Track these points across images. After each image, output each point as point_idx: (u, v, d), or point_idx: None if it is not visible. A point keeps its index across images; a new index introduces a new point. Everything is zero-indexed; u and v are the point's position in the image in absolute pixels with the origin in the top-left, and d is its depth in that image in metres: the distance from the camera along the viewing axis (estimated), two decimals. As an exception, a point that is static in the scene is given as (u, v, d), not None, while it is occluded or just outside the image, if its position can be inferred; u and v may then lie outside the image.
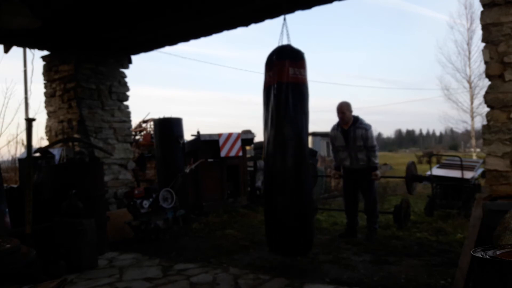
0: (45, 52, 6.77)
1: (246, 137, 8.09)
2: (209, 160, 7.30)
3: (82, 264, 4.14)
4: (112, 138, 6.80)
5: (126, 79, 7.12)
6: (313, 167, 8.10)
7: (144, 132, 10.81)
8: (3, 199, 4.20)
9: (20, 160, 6.41)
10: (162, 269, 4.14)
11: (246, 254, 4.63)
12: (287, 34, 3.94)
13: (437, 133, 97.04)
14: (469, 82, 23.84)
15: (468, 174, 7.16)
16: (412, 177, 5.81)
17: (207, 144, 7.30)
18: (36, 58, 15.87)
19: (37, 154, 5.45)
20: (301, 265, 4.09)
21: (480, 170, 7.51)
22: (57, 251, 4.12)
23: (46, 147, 5.77)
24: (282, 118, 3.80)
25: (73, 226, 4.18)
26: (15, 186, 5.49)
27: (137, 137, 10.53)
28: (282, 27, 3.95)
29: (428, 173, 7.56)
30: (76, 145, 6.27)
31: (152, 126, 9.36)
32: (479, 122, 22.68)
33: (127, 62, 7.14)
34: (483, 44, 3.40)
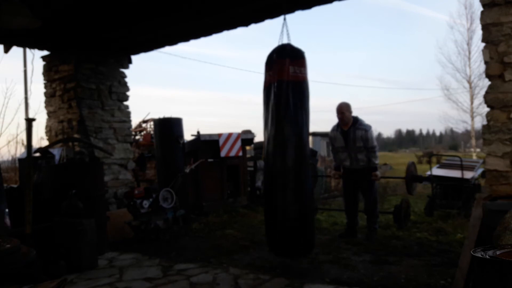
0: (45, 52, 6.77)
1: (246, 137, 8.09)
2: (209, 160, 7.30)
3: (82, 264, 4.14)
4: (112, 138, 6.80)
5: (126, 79, 7.13)
6: (313, 167, 8.09)
7: (144, 132, 10.81)
8: (3, 199, 4.20)
9: (20, 160, 6.41)
10: (162, 269, 4.14)
11: (246, 254, 4.63)
12: (287, 34, 3.94)
13: (437, 133, 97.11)
14: (469, 82, 23.85)
15: (468, 174, 7.16)
16: (412, 177, 5.81)
17: (207, 144, 7.30)
18: (36, 58, 15.86)
19: (37, 154, 5.45)
20: (301, 265, 4.09)
21: (480, 170, 7.51)
22: (57, 251, 4.12)
23: (46, 147, 5.77)
24: (283, 117, 3.78)
25: (73, 226, 4.18)
26: (15, 186, 5.49)
27: (137, 137, 10.53)
28: (282, 27, 3.95)
29: (428, 173, 7.56)
30: (76, 145, 6.27)
31: (152, 126, 9.36)
32: (479, 122, 22.71)
33: (127, 62, 7.14)
34: (483, 44, 3.40)
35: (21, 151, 8.89)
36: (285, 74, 3.75)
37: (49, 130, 6.92)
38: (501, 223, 2.68)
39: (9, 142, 8.83)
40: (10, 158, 8.89)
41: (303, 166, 3.84)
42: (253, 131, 8.85)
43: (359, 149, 5.10)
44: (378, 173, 5.17)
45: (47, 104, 6.94)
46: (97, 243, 4.38)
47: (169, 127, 6.42)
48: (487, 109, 3.42)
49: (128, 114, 7.09)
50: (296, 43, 3.91)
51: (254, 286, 3.57)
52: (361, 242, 4.93)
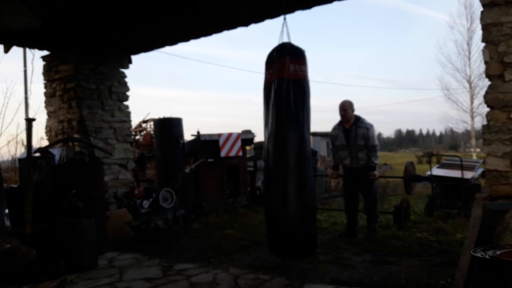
0: (45, 52, 6.77)
1: (246, 137, 8.10)
2: (209, 160, 7.30)
3: (82, 264, 4.14)
4: (112, 138, 6.80)
5: (126, 79, 7.13)
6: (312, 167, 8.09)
7: (144, 132, 10.82)
8: (3, 199, 4.20)
9: (20, 160, 6.41)
10: (162, 269, 4.14)
11: (246, 254, 4.63)
12: (288, 34, 3.93)
13: (437, 133, 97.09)
14: (469, 82, 23.85)
15: (468, 174, 7.16)
16: (410, 177, 5.80)
17: (207, 144, 7.30)
18: (36, 58, 15.88)
19: (37, 154, 5.45)
20: (301, 265, 4.09)
21: (480, 170, 7.51)
22: (57, 251, 4.12)
23: (46, 147, 5.77)
24: (283, 115, 3.74)
25: (73, 226, 4.18)
26: (15, 186, 5.49)
27: (137, 137, 10.53)
28: (282, 26, 3.94)
29: (428, 173, 7.56)
30: (76, 145, 6.27)
31: (152, 126, 9.36)
32: (479, 122, 22.71)
33: (127, 62, 7.14)
34: (483, 44, 3.40)
35: (21, 151, 8.90)
36: (286, 72, 3.72)
37: (49, 130, 6.92)
38: (501, 223, 2.68)
39: (9, 142, 8.84)
40: (10, 158, 8.90)
41: (304, 164, 3.79)
42: (253, 131, 8.86)
43: (360, 147, 5.10)
44: (376, 172, 5.17)
45: (47, 104, 6.94)
46: (97, 243, 4.38)
47: (169, 127, 6.42)
48: (487, 109, 3.42)
49: (128, 114, 7.09)
50: (296, 43, 3.90)
51: (254, 286, 3.57)
52: (361, 242, 4.93)
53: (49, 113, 6.94)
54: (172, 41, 6.38)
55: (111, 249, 4.91)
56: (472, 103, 23.81)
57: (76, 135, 6.42)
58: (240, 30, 47.70)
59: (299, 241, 3.82)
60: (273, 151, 3.85)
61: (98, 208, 4.80)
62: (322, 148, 16.80)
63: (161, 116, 6.59)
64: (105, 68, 6.76)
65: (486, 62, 3.37)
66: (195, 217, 6.63)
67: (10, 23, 3.86)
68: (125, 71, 7.11)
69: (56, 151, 6.11)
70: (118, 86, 6.98)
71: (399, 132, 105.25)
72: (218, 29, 5.80)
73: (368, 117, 5.33)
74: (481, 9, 3.39)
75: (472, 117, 23.93)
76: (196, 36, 6.08)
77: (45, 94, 6.97)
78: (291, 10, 4.89)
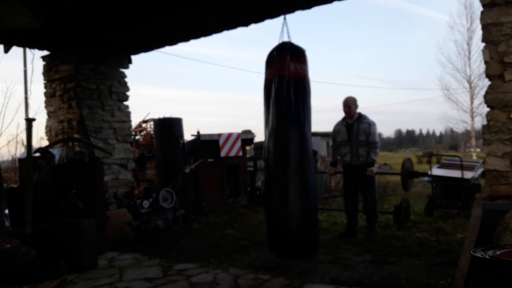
0: (45, 52, 6.77)
1: (246, 137, 8.10)
2: (209, 160, 7.30)
3: (82, 264, 4.14)
4: (112, 138, 6.80)
5: (126, 79, 7.13)
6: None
7: (144, 132, 10.82)
8: (3, 199, 4.20)
9: (20, 160, 6.41)
10: (162, 269, 4.14)
11: (246, 254, 4.63)
12: (288, 34, 3.93)
13: (437, 133, 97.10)
14: (469, 82, 23.86)
15: (468, 174, 7.16)
16: (407, 173, 5.76)
17: (207, 144, 7.30)
18: (36, 58, 15.89)
19: (37, 154, 5.45)
20: (301, 265, 4.09)
21: (480, 170, 7.51)
22: (57, 251, 4.12)
23: (46, 147, 5.77)
24: (284, 113, 3.72)
25: (73, 226, 4.18)
26: (15, 186, 5.49)
27: (137, 137, 10.53)
28: (283, 26, 3.93)
29: (428, 173, 7.55)
30: (76, 145, 6.27)
31: (152, 126, 9.36)
32: (479, 122, 22.72)
33: (127, 62, 7.14)
34: (483, 44, 3.40)
35: (21, 151, 8.91)
36: (286, 70, 3.71)
37: (49, 130, 6.92)
38: (501, 223, 2.68)
39: (9, 142, 8.85)
40: (10, 158, 8.90)
41: (305, 164, 3.76)
42: (253, 131, 8.87)
43: (361, 143, 5.12)
44: (373, 169, 5.16)
45: (47, 104, 6.94)
46: (97, 243, 4.38)
47: (169, 127, 6.42)
48: (487, 109, 3.42)
49: (128, 114, 7.09)
50: (296, 43, 3.90)
51: (254, 286, 3.57)
52: (361, 242, 4.93)
53: (49, 113, 6.94)
54: (172, 41, 6.38)
55: (111, 249, 4.91)
56: (472, 103, 23.84)
57: (76, 135, 6.42)
58: (240, 30, 47.74)
59: (300, 241, 3.79)
60: (273, 150, 3.82)
61: (98, 208, 4.80)
62: (322, 148, 16.82)
63: (161, 116, 6.60)
64: (105, 68, 6.76)
65: (486, 62, 3.37)
66: (195, 217, 6.63)
67: (10, 23, 3.86)
68: (125, 71, 7.11)
69: (56, 151, 6.11)
70: (118, 86, 6.98)
71: (399, 132, 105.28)
72: (218, 29, 5.80)
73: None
74: (481, 9, 3.39)
75: (472, 117, 23.95)
76: (196, 36, 6.08)
77: (45, 94, 6.97)
78: (291, 10, 4.88)
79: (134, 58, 7.18)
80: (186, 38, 6.21)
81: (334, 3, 4.78)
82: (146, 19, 5.26)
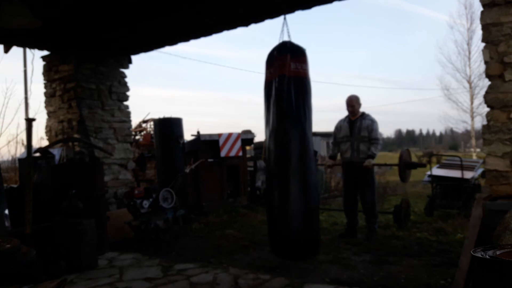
0: (45, 52, 6.77)
1: (246, 137, 8.10)
2: (209, 160, 7.30)
3: (82, 264, 4.14)
4: (112, 138, 6.80)
5: (126, 79, 7.13)
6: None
7: (144, 132, 10.82)
8: (3, 199, 4.20)
9: (20, 160, 6.41)
10: (162, 269, 4.14)
11: (246, 254, 4.63)
12: (288, 34, 3.93)
13: (437, 133, 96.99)
14: (469, 82, 23.84)
15: (468, 174, 7.16)
16: (405, 164, 5.75)
17: (207, 144, 7.30)
18: (36, 58, 15.88)
19: (37, 154, 5.45)
20: (301, 265, 4.09)
21: (480, 170, 7.51)
22: (57, 251, 4.11)
23: (46, 147, 5.77)
24: (284, 112, 3.71)
25: (73, 226, 4.18)
26: (15, 186, 5.49)
27: (137, 137, 10.53)
28: (283, 26, 3.93)
29: (428, 173, 7.55)
30: (76, 145, 6.27)
31: (152, 126, 9.36)
32: (479, 122, 22.71)
33: (127, 62, 7.14)
34: (483, 44, 3.40)
35: (21, 151, 8.90)
36: (286, 70, 3.70)
37: (49, 130, 6.92)
38: (501, 223, 2.68)
39: (9, 142, 8.84)
40: (10, 158, 8.90)
41: (306, 163, 3.75)
42: (253, 131, 8.86)
43: (362, 139, 5.14)
44: (371, 161, 5.14)
45: (47, 104, 6.94)
46: (97, 243, 4.38)
47: (169, 127, 6.42)
48: (487, 109, 3.42)
49: (128, 114, 7.09)
50: (296, 43, 3.90)
51: (254, 286, 3.57)
52: (361, 242, 4.93)
53: (49, 113, 6.94)
54: (172, 41, 6.39)
55: (111, 249, 4.91)
56: (472, 103, 23.82)
57: (76, 135, 6.42)
58: (240, 30, 47.74)
59: (302, 241, 3.78)
60: (274, 150, 3.81)
61: (98, 208, 4.80)
62: (322, 148, 16.81)
63: (161, 116, 6.60)
64: (105, 68, 6.76)
65: (486, 62, 3.37)
66: (195, 217, 6.63)
67: (10, 23, 3.86)
68: (125, 71, 7.11)
69: (56, 151, 6.11)
70: (118, 86, 6.98)
71: (399, 132, 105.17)
72: (218, 29, 5.80)
73: (368, 117, 5.34)
74: (481, 9, 3.39)
75: (472, 117, 23.94)
76: (196, 36, 6.08)
77: (45, 94, 6.97)
78: (291, 10, 4.89)
79: (134, 58, 7.19)
80: (186, 38, 6.21)
81: (334, 3, 4.79)
82: (146, 19, 5.26)
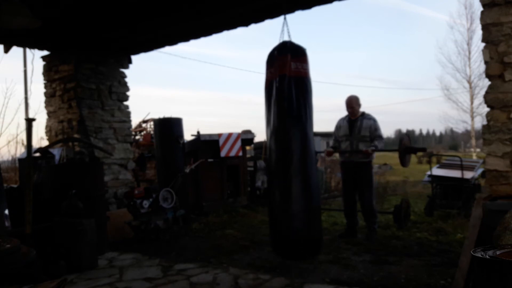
0: (45, 52, 6.77)
1: (246, 137, 8.09)
2: (209, 160, 7.30)
3: (82, 264, 4.13)
4: (112, 138, 6.80)
5: (126, 79, 7.13)
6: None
7: (144, 132, 10.81)
8: (3, 199, 4.20)
9: (20, 160, 6.41)
10: (162, 269, 4.14)
11: (246, 254, 4.63)
12: (288, 33, 3.92)
13: (437, 133, 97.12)
14: (469, 82, 23.86)
15: (468, 174, 7.16)
16: (405, 149, 5.73)
17: (207, 144, 7.30)
18: (36, 58, 15.89)
19: (37, 154, 5.45)
20: (301, 265, 4.09)
21: (480, 170, 7.51)
22: (57, 251, 4.11)
23: (46, 147, 5.77)
24: (285, 112, 3.70)
25: (73, 226, 4.18)
26: (15, 186, 5.49)
27: (137, 137, 10.53)
28: (283, 26, 3.93)
29: (428, 173, 7.55)
30: (76, 145, 6.27)
31: (152, 126, 9.36)
32: (479, 122, 22.72)
33: (127, 62, 7.14)
34: (483, 44, 3.40)
35: (21, 151, 8.90)
36: (287, 69, 3.69)
37: (49, 130, 6.92)
38: (501, 223, 2.68)
39: (9, 142, 8.84)
40: (10, 158, 8.89)
41: (308, 163, 3.75)
42: (253, 131, 8.87)
43: (362, 138, 5.15)
44: (373, 148, 5.12)
45: (47, 104, 6.94)
46: (97, 243, 4.37)
47: (169, 127, 6.42)
48: (487, 109, 3.42)
49: (128, 114, 7.09)
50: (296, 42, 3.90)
51: (254, 286, 3.57)
52: (361, 242, 4.93)
53: (49, 113, 6.94)
54: (172, 41, 6.38)
55: (111, 249, 4.91)
56: (472, 103, 23.84)
57: (76, 135, 6.42)
58: (240, 30, 47.74)
59: (303, 241, 3.78)
60: (275, 149, 3.81)
61: (98, 208, 4.79)
62: (322, 148, 16.80)
63: (161, 116, 6.60)
64: (105, 68, 6.76)
65: (486, 62, 3.37)
66: (195, 217, 6.63)
67: (10, 23, 3.86)
68: (125, 71, 7.11)
69: (56, 151, 6.11)
70: (118, 86, 6.98)
71: (399, 132, 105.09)
72: (218, 29, 5.80)
73: (368, 117, 5.33)
74: (481, 9, 3.39)
75: (472, 117, 23.95)
76: (196, 36, 6.08)
77: (45, 94, 6.97)
78: (291, 10, 4.88)
79: (134, 58, 7.18)
80: (186, 38, 6.21)
81: (334, 3, 4.79)
82: (146, 19, 5.26)
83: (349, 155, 5.25)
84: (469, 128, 25.66)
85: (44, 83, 6.96)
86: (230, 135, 7.54)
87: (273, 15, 5.13)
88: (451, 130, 58.44)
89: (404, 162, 5.78)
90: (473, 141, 25.43)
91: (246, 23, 5.52)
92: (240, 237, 5.41)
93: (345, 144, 5.30)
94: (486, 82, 3.43)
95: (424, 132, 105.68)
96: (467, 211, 6.13)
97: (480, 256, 1.80)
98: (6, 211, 4.19)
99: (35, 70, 18.22)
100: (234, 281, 3.70)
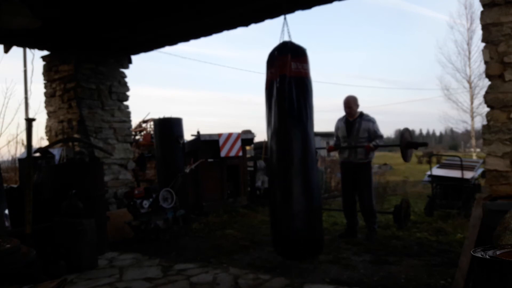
0: (45, 52, 6.77)
1: (246, 137, 8.10)
2: (209, 160, 7.30)
3: (82, 264, 4.14)
4: (112, 138, 6.80)
5: (126, 79, 7.13)
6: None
7: (144, 132, 10.81)
8: (3, 199, 4.20)
9: (20, 160, 6.41)
10: (162, 269, 4.14)
11: (246, 254, 4.63)
12: (288, 33, 3.93)
13: (437, 133, 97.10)
14: (469, 82, 23.85)
15: (468, 174, 7.16)
16: (407, 144, 5.75)
17: (207, 144, 7.30)
18: (36, 58, 15.90)
19: (37, 154, 5.45)
20: (301, 265, 4.09)
21: (480, 170, 7.51)
22: (57, 251, 4.11)
23: (46, 147, 5.77)
24: (286, 112, 3.70)
25: (73, 226, 4.18)
26: (15, 186, 5.49)
27: (137, 137, 10.53)
28: (283, 26, 3.93)
29: (428, 173, 7.55)
30: (76, 145, 6.27)
31: (152, 126, 9.36)
32: (479, 122, 22.72)
33: (127, 62, 7.14)
34: (483, 44, 3.40)
35: (21, 151, 8.90)
36: (287, 70, 3.70)
37: (49, 130, 6.92)
38: (501, 223, 2.68)
39: (9, 142, 8.84)
40: (10, 158, 8.90)
41: (308, 162, 3.75)
42: (253, 131, 8.87)
43: (361, 140, 5.14)
44: (374, 143, 5.13)
45: (47, 104, 6.94)
46: (97, 243, 4.37)
47: (169, 127, 6.42)
48: (487, 109, 3.42)
49: (128, 114, 7.09)
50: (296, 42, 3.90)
51: (254, 286, 3.57)
52: (361, 242, 4.93)
53: (49, 113, 6.94)
54: (172, 41, 6.38)
55: (111, 249, 4.91)
56: (472, 103, 23.83)
57: (76, 135, 6.42)
58: (240, 30, 47.74)
59: (304, 241, 3.78)
60: (276, 150, 3.81)
61: (98, 208, 4.79)
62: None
63: (161, 116, 6.60)
64: (105, 68, 6.76)
65: (486, 62, 3.37)
66: (195, 217, 6.63)
67: (10, 23, 3.86)
68: (125, 71, 7.11)
69: (56, 151, 6.11)
70: (118, 86, 6.98)
71: (399, 132, 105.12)
72: (218, 29, 5.80)
73: (368, 117, 5.33)
74: (481, 9, 3.39)
75: (472, 117, 23.95)
76: (196, 36, 6.08)
77: (45, 94, 6.97)
78: (291, 10, 4.88)
79: (134, 58, 7.18)
80: (186, 38, 6.21)
81: (334, 3, 4.79)
82: (146, 19, 5.26)
83: (348, 156, 5.24)
84: (469, 128, 25.69)
85: (44, 83, 6.96)
86: (230, 135, 7.54)
87: (273, 15, 5.13)
88: (451, 130, 58.42)
89: (406, 157, 5.78)
90: (473, 141, 25.43)
91: (246, 23, 5.52)
92: (240, 237, 5.41)
93: (344, 145, 5.29)
94: (486, 82, 3.43)
95: (424, 132, 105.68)
96: (467, 211, 6.13)
97: (480, 256, 1.80)
98: (6, 211, 4.19)
99: (35, 70, 18.27)
100: (234, 281, 3.70)
